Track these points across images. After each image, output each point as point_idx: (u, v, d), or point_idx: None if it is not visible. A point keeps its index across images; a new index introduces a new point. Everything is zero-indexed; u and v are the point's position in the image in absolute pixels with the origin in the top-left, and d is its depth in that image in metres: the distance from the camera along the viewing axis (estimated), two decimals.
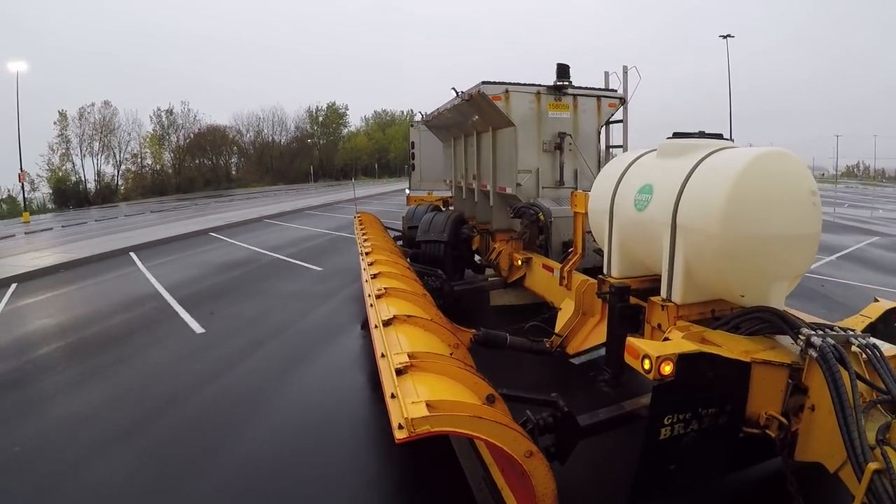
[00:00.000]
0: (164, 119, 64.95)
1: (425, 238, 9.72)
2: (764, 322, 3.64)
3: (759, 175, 3.71)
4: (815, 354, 3.06)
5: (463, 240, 9.95)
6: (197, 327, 9.43)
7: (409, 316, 4.43)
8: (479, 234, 9.96)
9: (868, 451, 2.63)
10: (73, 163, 55.43)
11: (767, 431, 3.37)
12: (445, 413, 2.76)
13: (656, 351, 3.20)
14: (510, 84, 7.81)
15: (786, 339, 3.56)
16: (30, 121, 38.55)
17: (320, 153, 78.23)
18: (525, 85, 7.92)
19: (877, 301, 4.38)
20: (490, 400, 3.46)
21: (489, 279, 9.11)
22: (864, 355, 3.18)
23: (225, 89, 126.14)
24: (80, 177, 55.25)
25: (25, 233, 27.91)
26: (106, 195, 53.71)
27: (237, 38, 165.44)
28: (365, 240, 8.90)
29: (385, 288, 5.27)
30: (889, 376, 2.98)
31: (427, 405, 2.77)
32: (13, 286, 13.65)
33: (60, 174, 53.42)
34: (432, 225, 9.83)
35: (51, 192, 50.91)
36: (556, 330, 6.16)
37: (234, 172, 70.59)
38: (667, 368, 3.18)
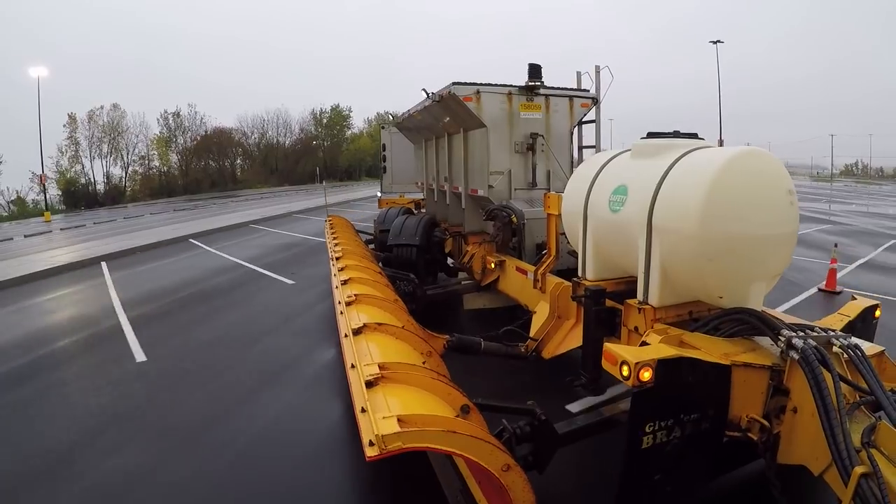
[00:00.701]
0: (170, 122, 65.21)
1: (397, 242, 9.55)
2: (743, 324, 3.58)
3: (736, 175, 3.64)
4: (796, 357, 2.99)
5: (435, 243, 9.79)
6: (287, 281, 12.52)
7: (379, 324, 4.28)
8: (451, 237, 9.82)
9: (854, 454, 2.56)
10: (82, 164, 56.09)
11: (749, 434, 3.31)
12: (418, 428, 2.62)
13: (635, 357, 3.10)
14: (481, 85, 7.69)
15: (765, 341, 3.50)
16: (33, 122, 39.41)
17: (325, 155, 77.74)
18: (496, 85, 7.81)
19: (854, 299, 4.36)
20: (465, 410, 3.33)
21: (462, 283, 8.98)
22: (845, 355, 3.12)
23: (228, 90, 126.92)
24: (89, 178, 55.90)
25: (61, 229, 29.44)
26: (115, 196, 54.16)
27: (235, 37, 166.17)
28: (336, 244, 8.70)
29: (355, 294, 5.11)
30: (872, 376, 2.93)
31: (399, 420, 2.64)
32: (103, 263, 16.06)
33: (70, 176, 53.94)
34: (404, 228, 9.67)
35: (59, 193, 51.37)
36: (531, 334, 6.04)
37: (238, 174, 70.98)
38: (646, 375, 3.08)
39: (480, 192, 8.21)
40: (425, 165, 11.35)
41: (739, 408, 3.32)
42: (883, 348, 3.58)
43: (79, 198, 50.34)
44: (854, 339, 3.24)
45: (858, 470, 2.47)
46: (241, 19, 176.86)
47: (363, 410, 2.79)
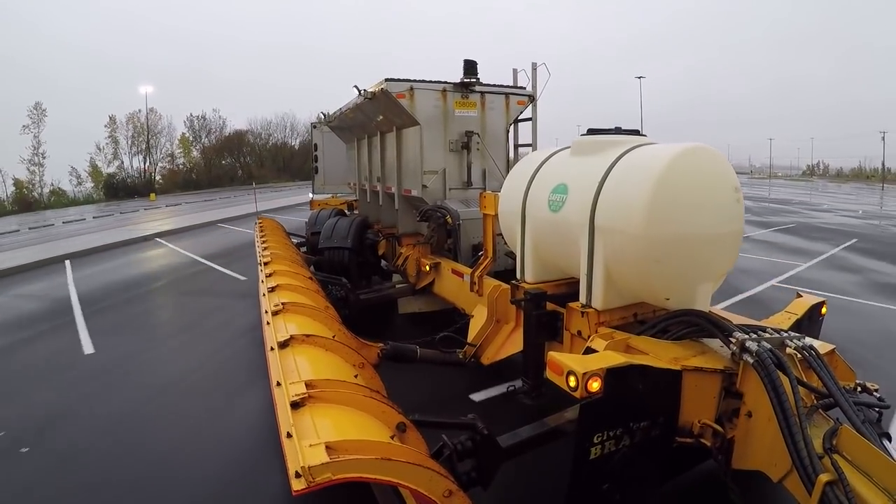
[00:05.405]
0: (195, 124, 74.07)
1: (328, 245, 9.12)
2: (691, 326, 3.45)
3: (682, 172, 3.51)
4: (751, 360, 2.86)
5: (368, 245, 9.43)
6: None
7: (308, 335, 3.91)
8: (384, 239, 9.49)
9: (817, 462, 2.43)
10: (121, 160, 65.61)
11: (702, 440, 3.16)
12: (349, 457, 2.29)
13: (582, 367, 2.89)
14: (415, 81, 7.41)
15: (714, 342, 3.38)
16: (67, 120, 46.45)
17: None
18: (431, 82, 7.55)
19: (800, 297, 4.35)
20: (401, 429, 3.03)
21: (396, 286, 8.66)
22: (799, 356, 3.02)
23: (237, 84, 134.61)
24: (127, 173, 65.43)
25: (166, 205, 38.30)
26: (148, 189, 59.43)
27: (234, 36, 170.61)
28: (264, 248, 8.19)
29: (283, 303, 4.71)
30: (830, 379, 2.83)
31: (327, 447, 2.31)
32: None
33: (111, 170, 63.60)
34: (335, 230, 9.25)
35: (93, 185, 60.86)
36: (469, 339, 5.80)
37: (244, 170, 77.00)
38: (594, 385, 2.88)
39: (414, 193, 7.93)
40: (358, 165, 11.01)
41: (691, 413, 3.18)
42: (833, 346, 3.54)
43: (118, 189, 57.93)
44: (809, 340, 3.16)
45: (823, 478, 2.34)
46: (244, 20, 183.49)
47: (289, 436, 2.47)
